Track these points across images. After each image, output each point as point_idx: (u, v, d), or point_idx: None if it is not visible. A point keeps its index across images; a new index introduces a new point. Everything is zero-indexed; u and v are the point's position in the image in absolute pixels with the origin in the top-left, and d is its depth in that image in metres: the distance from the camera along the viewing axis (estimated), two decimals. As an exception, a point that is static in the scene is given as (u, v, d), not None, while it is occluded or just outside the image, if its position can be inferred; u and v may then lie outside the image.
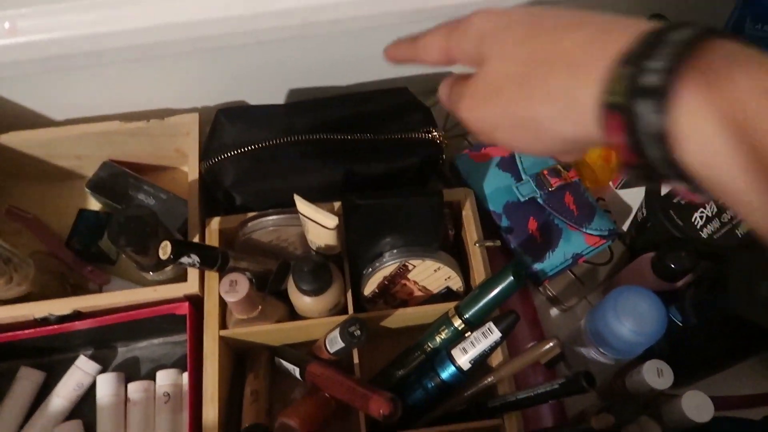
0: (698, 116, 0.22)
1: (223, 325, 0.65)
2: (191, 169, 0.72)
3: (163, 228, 0.63)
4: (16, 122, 0.76)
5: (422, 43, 0.35)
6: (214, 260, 0.61)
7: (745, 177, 0.22)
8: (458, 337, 0.62)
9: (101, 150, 0.77)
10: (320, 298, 0.62)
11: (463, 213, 0.70)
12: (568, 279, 0.75)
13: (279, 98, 0.81)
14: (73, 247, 0.73)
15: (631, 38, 0.25)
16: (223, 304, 0.66)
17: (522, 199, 0.73)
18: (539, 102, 0.28)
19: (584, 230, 0.72)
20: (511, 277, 0.59)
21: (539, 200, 0.73)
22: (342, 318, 0.64)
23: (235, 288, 0.57)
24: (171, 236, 0.60)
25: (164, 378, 0.68)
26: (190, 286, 0.65)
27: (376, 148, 0.70)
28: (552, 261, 0.71)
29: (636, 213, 0.77)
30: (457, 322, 0.62)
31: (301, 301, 0.62)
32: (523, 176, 0.74)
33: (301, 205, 0.59)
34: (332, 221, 0.58)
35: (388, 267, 0.64)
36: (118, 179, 0.77)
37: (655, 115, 0.23)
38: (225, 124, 0.69)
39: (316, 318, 0.64)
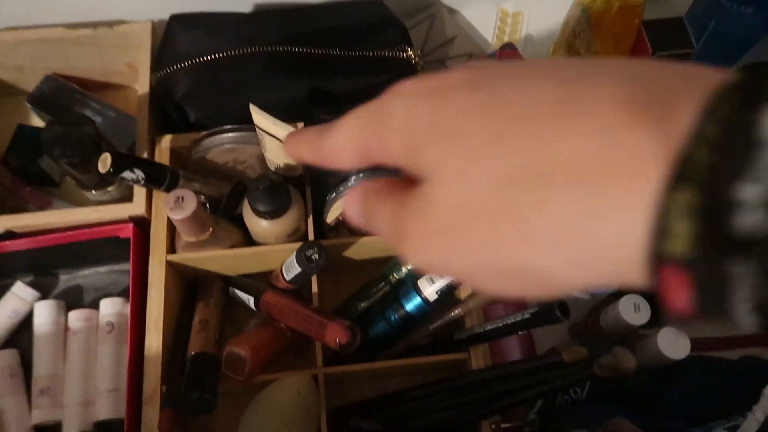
0: None
1: (171, 250, 0.60)
2: (141, 83, 0.66)
3: (105, 141, 0.57)
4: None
5: (329, 146, 0.23)
6: (161, 178, 0.56)
7: None
8: (425, 268, 0.58)
9: (44, 61, 0.70)
10: (278, 221, 0.57)
11: (436, 139, 0.65)
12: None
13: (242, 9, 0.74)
14: (10, 165, 0.67)
15: (689, 125, 0.14)
16: (171, 228, 0.60)
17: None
18: (533, 248, 0.17)
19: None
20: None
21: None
22: (296, 245, 0.59)
23: (182, 204, 0.51)
24: (113, 149, 0.55)
25: (108, 306, 0.63)
26: (136, 207, 0.59)
27: (346, 64, 0.64)
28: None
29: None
30: (425, 252, 0.57)
31: (257, 224, 0.57)
32: (502, 104, 0.69)
33: (258, 116, 0.53)
34: (290, 134, 0.53)
35: (352, 192, 0.59)
36: (62, 94, 0.70)
37: (763, 281, 0.13)
38: (178, 32, 0.63)
39: (273, 244, 0.60)
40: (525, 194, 0.16)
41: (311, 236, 0.60)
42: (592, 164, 0.15)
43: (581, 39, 0.67)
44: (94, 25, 0.68)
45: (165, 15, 0.71)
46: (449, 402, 0.55)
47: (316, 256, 0.53)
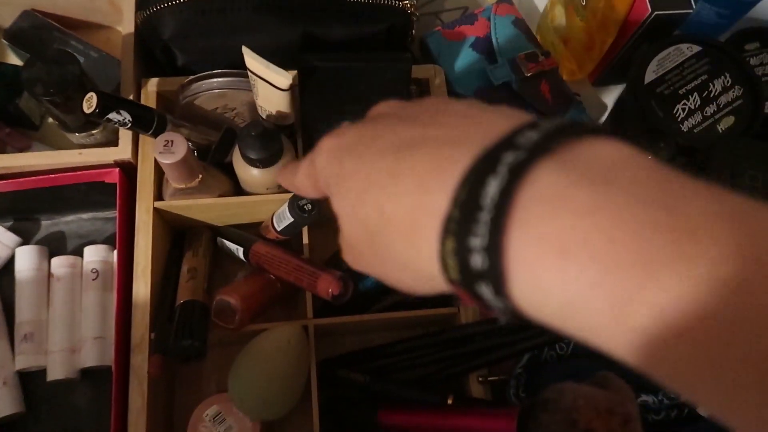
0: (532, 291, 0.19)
1: (159, 197, 0.58)
2: (126, 23, 0.63)
3: (90, 81, 0.55)
4: None
5: (297, 183, 0.31)
6: (148, 121, 0.54)
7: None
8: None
9: (20, -4, 0.67)
10: (269, 170, 0.55)
11: (432, 92, 0.64)
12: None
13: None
14: (-14, 105, 0.64)
15: (453, 188, 0.20)
16: (159, 174, 0.59)
17: (495, 83, 0.67)
18: (393, 270, 0.25)
19: (558, 121, 0.67)
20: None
21: (513, 86, 0.67)
22: (286, 195, 0.58)
23: (171, 148, 0.50)
24: (98, 89, 0.52)
25: (93, 254, 0.62)
26: (122, 151, 0.58)
27: (341, 10, 0.62)
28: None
29: (612, 108, 0.73)
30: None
31: (248, 173, 0.56)
32: (498, 59, 0.68)
33: (251, 59, 0.51)
34: (285, 80, 0.51)
35: (345, 143, 0.58)
36: (40, 32, 0.67)
37: (496, 298, 0.20)
38: (166, -31, 0.60)
39: (263, 194, 0.59)
40: (379, 238, 0.23)
41: (302, 187, 0.59)
42: (408, 222, 0.22)
43: (581, -6, 0.66)
44: (75, -42, 0.64)
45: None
46: (437, 356, 0.56)
47: (309, 206, 0.52)
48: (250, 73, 0.53)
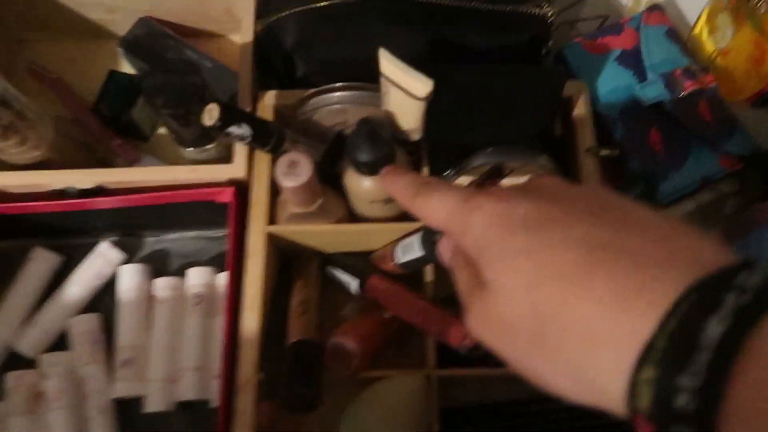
0: None
1: (272, 219, 0.54)
2: (245, 32, 0.59)
3: (210, 92, 0.51)
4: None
5: (419, 205, 0.30)
6: (268, 136, 0.49)
7: None
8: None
9: (138, 2, 0.64)
10: (377, 178, 0.49)
11: (575, 111, 0.56)
12: (687, 209, 0.61)
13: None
14: (101, 113, 0.62)
15: (660, 315, 0.19)
16: (273, 195, 0.54)
17: (645, 103, 0.58)
18: (552, 369, 0.23)
19: (721, 148, 0.58)
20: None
21: (666, 106, 0.58)
22: (413, 225, 0.52)
23: (296, 170, 0.45)
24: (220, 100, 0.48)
25: (196, 276, 0.58)
26: (236, 169, 0.53)
27: (477, 18, 0.55)
28: (676, 182, 0.57)
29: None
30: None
31: (358, 185, 0.50)
32: (649, 75, 0.60)
33: (387, 63, 0.46)
34: (424, 87, 0.45)
35: (478, 168, 0.52)
36: (156, 40, 0.64)
37: None
38: (290, -27, 0.56)
39: (383, 221, 0.53)
40: (550, 331, 0.22)
41: (427, 215, 0.53)
42: (598, 322, 0.21)
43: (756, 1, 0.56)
44: (194, -37, 0.61)
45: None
46: (574, 424, 0.48)
47: None
48: (383, 80, 0.47)
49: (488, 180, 0.53)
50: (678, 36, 0.62)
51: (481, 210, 0.26)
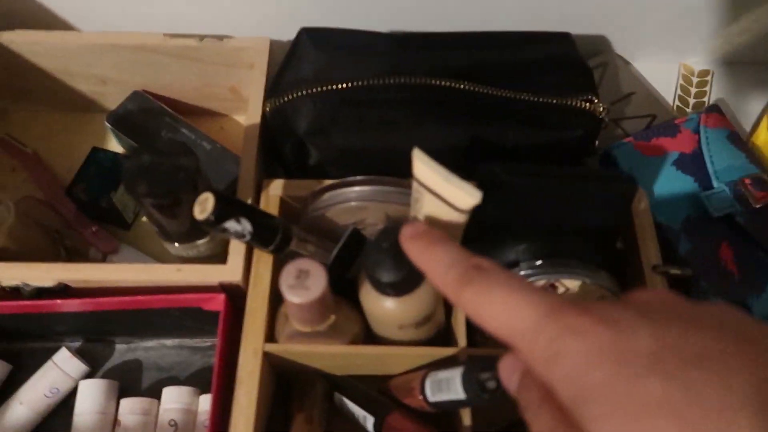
0: None
1: (270, 335, 0.44)
2: (251, 113, 0.51)
3: (204, 180, 0.43)
4: (27, 22, 0.57)
5: (476, 299, 0.23)
6: (271, 233, 0.40)
7: None
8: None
9: (133, 74, 0.57)
10: (407, 300, 0.40)
11: (635, 221, 0.48)
12: None
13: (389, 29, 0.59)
14: (76, 197, 0.53)
15: None
16: (273, 305, 0.45)
17: (713, 215, 0.50)
18: None
19: (805, 271, 0.49)
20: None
21: (738, 219, 0.50)
22: (445, 351, 0.42)
23: (306, 282, 0.36)
24: (215, 189, 0.40)
25: (173, 398, 0.47)
26: (231, 272, 0.44)
27: (519, 110, 0.48)
28: (757, 309, 0.48)
29: None
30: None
31: (379, 306, 0.41)
32: (715, 183, 0.52)
33: (423, 166, 0.37)
34: (471, 198, 0.36)
35: (524, 284, 0.42)
36: (149, 116, 0.57)
37: None
38: (308, 49, 0.49)
39: (405, 344, 0.43)
40: None
41: (462, 339, 0.43)
42: None
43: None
44: (201, 36, 0.55)
45: (287, 36, 0.57)
46: None
47: (493, 384, 0.35)
48: (416, 185, 0.39)
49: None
50: (741, 141, 0.55)
51: (583, 336, 0.19)
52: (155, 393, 0.49)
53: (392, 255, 0.37)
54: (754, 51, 0.66)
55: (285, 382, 0.48)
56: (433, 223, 0.41)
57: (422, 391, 0.41)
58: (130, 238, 0.56)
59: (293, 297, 0.36)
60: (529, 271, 0.43)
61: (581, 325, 0.19)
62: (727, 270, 0.49)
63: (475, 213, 0.42)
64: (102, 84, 0.58)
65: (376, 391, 0.48)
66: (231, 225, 0.38)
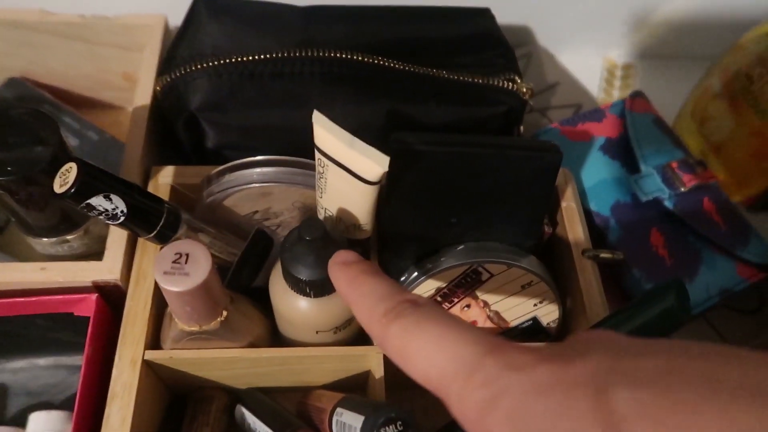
0: None
1: (155, 341, 0.37)
2: (140, 95, 0.46)
3: (67, 155, 0.36)
4: None
5: (402, 337, 0.21)
6: (153, 216, 0.34)
7: None
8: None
9: (11, 57, 0.51)
10: (326, 302, 0.35)
11: (563, 204, 0.45)
12: (701, 330, 0.49)
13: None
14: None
15: None
16: (160, 307, 0.38)
17: (642, 199, 0.48)
18: None
19: (737, 254, 0.47)
20: (672, 304, 0.33)
21: (667, 203, 0.48)
22: (367, 351, 0.37)
23: (184, 267, 0.30)
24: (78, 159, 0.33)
25: (41, 424, 0.40)
26: (107, 268, 0.37)
27: (438, 87, 0.45)
28: (690, 294, 0.45)
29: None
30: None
31: (291, 304, 0.36)
32: (642, 167, 0.50)
33: (324, 132, 0.33)
34: (378, 166, 0.32)
35: (446, 272, 0.38)
36: (29, 104, 0.50)
37: None
38: (205, 20, 0.44)
39: (314, 343, 0.38)
40: None
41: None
42: None
43: (760, 85, 0.49)
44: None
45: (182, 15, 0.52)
46: None
47: (400, 428, 0.30)
48: (318, 155, 0.34)
49: (460, 288, 0.39)
50: (666, 126, 0.54)
51: (526, 372, 0.18)
52: (22, 421, 0.41)
53: (315, 250, 0.32)
54: (674, 45, 0.65)
55: (178, 401, 0.42)
56: (340, 199, 0.36)
57: (330, 427, 0.35)
58: (3, 243, 0.48)
59: (170, 285, 0.30)
60: (451, 257, 0.38)
61: (524, 362, 0.18)
62: (658, 256, 0.47)
63: (390, 190, 0.38)
64: (-29, 68, 0.51)
65: (296, 408, 0.42)
66: (99, 202, 0.32)
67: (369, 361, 0.38)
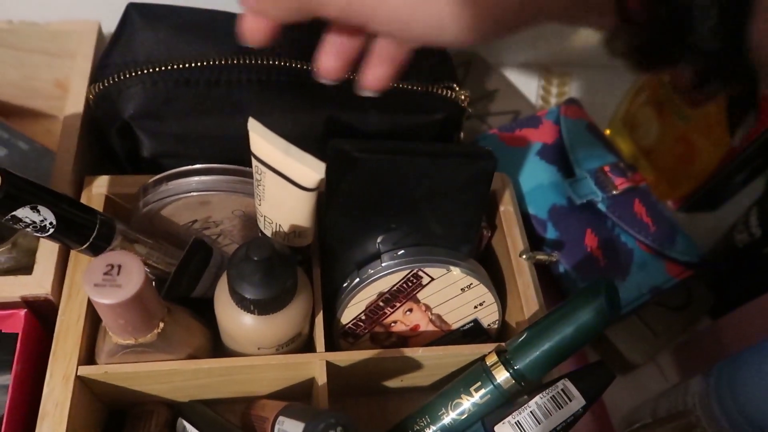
0: None
1: (89, 357, 0.36)
2: (71, 104, 0.44)
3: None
4: None
5: None
6: (86, 228, 0.33)
7: None
8: (502, 403, 0.36)
9: (-70, 65, 0.48)
10: (274, 319, 0.35)
11: (501, 209, 0.46)
12: (633, 326, 0.51)
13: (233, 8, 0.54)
14: None
15: None
16: (95, 322, 0.37)
17: (576, 202, 0.50)
18: None
19: (666, 254, 0.49)
20: (602, 302, 0.34)
21: (600, 206, 0.50)
22: (301, 358, 0.37)
23: (116, 279, 0.29)
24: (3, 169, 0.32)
25: (-33, 448, 0.38)
26: (37, 283, 0.36)
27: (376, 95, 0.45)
28: (623, 293, 0.47)
29: (720, 243, 0.55)
30: (502, 377, 0.36)
31: (237, 322, 0.35)
32: (577, 171, 0.51)
33: (260, 139, 0.33)
34: (314, 173, 0.32)
35: (388, 277, 0.39)
36: (-49, 113, 0.48)
37: None
38: (139, 27, 0.43)
39: (256, 355, 0.37)
40: None
41: (319, 346, 0.38)
42: None
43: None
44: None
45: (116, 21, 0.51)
46: None
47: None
48: (255, 163, 0.34)
49: (401, 293, 0.40)
50: (599, 131, 0.56)
51: None
52: (-53, 445, 0.39)
53: (262, 269, 0.32)
54: (607, 54, 0.68)
55: (118, 417, 0.41)
56: (274, 210, 0.36)
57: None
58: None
59: (101, 298, 0.29)
60: (391, 262, 0.39)
61: None
62: (593, 257, 0.48)
63: (329, 197, 0.38)
64: None
65: (240, 420, 0.41)
66: (25, 214, 0.31)
67: (312, 368, 0.38)
